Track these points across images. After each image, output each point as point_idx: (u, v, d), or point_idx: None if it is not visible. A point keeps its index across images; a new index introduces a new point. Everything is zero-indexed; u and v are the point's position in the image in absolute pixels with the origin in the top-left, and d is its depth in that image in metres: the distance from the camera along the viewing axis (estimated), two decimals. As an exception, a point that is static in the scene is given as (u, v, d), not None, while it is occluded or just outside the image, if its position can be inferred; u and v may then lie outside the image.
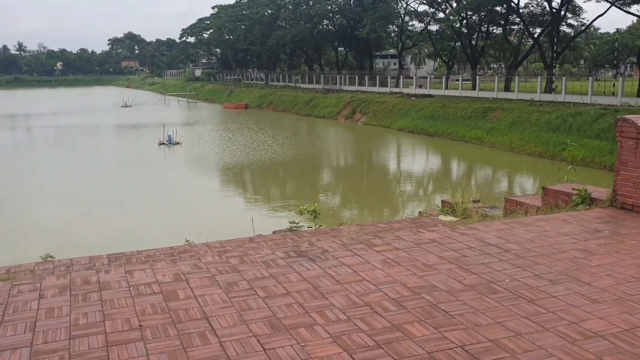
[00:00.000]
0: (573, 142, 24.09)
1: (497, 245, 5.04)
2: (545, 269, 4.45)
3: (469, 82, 48.53)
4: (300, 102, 58.86)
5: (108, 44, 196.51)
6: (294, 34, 67.03)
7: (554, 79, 42.10)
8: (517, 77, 42.35)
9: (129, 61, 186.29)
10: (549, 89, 39.32)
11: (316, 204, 9.10)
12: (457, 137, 35.47)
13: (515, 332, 3.36)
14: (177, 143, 37.13)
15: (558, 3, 44.19)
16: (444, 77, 51.08)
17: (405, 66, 75.92)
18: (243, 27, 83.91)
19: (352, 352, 3.11)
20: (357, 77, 60.20)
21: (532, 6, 47.83)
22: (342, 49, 75.90)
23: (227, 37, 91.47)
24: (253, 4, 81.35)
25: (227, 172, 28.39)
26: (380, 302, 3.78)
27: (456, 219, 8.37)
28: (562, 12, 44.86)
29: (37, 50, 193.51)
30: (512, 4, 46.22)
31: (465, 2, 47.31)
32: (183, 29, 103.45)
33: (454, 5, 51.33)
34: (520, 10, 47.17)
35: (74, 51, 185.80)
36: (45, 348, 3.18)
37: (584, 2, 76.01)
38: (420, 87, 50.86)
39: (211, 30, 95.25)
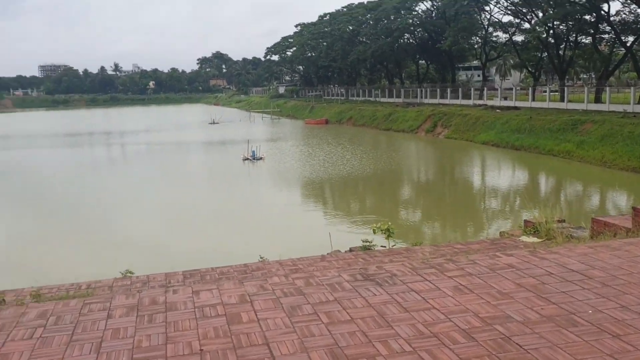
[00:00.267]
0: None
1: (580, 272, 4.67)
2: (634, 299, 4.06)
3: (556, 93, 46.56)
4: (379, 117, 58.65)
5: (197, 64, 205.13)
6: (375, 48, 67.09)
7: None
8: (608, 88, 40.14)
9: (217, 80, 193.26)
10: (644, 100, 37.02)
11: (390, 223, 8.90)
12: (545, 150, 34.01)
13: (597, 373, 3.06)
14: (260, 158, 37.85)
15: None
16: (530, 88, 49.29)
17: (489, 78, 73.95)
18: (325, 44, 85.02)
19: (413, 388, 2.93)
20: (438, 89, 59.29)
21: (624, 13, 45.31)
22: (423, 61, 75.14)
23: (309, 54, 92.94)
24: (334, 21, 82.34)
25: (307, 186, 28.59)
26: (449, 333, 3.56)
27: (539, 240, 7.93)
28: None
29: (132, 71, 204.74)
30: (602, 12, 43.99)
31: (552, 12, 45.54)
32: (267, 48, 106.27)
33: (540, 15, 49.55)
34: (611, 19, 44.78)
35: (166, 71, 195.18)
36: (107, 370, 3.23)
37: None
38: (505, 99, 49.33)
39: (294, 48, 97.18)
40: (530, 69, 58.50)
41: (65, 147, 52.56)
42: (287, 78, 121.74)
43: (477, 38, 60.98)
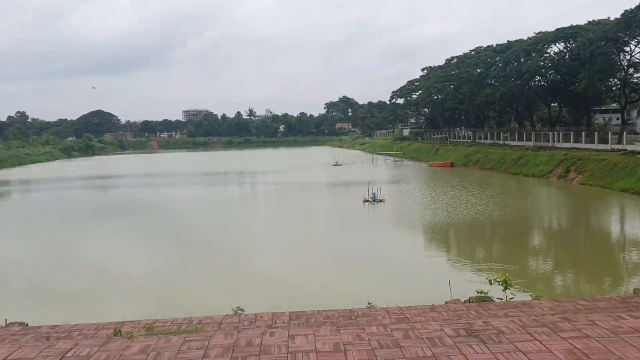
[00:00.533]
0: None
1: None
2: None
3: None
4: (508, 160, 56.40)
5: (324, 108, 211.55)
6: (503, 91, 65.18)
7: None
8: None
9: (342, 123, 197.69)
10: None
11: (507, 274, 8.36)
12: (696, 200, 30.69)
13: None
14: (381, 200, 37.67)
15: None
16: (678, 131, 45.08)
17: (630, 121, 68.77)
18: (451, 86, 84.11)
19: None
20: (572, 133, 56.03)
21: None
22: (556, 104, 71.67)
23: (435, 97, 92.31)
24: (462, 64, 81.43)
25: (428, 230, 27.94)
26: (555, 404, 3.23)
27: (680, 302, 7.00)
28: None
29: (265, 115, 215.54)
30: None
31: None
32: (393, 91, 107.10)
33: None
34: None
35: (295, 115, 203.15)
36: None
37: None
38: (649, 143, 45.43)
39: (420, 91, 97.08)
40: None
41: (202, 185, 55.94)
42: (412, 120, 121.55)
43: (616, 80, 57.17)
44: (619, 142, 49.38)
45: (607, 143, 49.17)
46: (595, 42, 52.84)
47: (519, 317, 5.12)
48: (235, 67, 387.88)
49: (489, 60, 74.47)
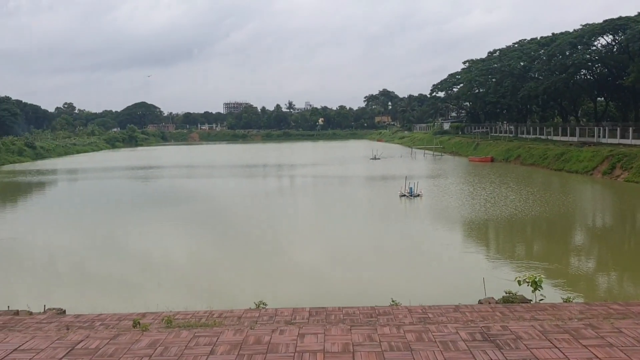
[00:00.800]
0: None
1: None
2: None
3: None
4: (550, 156, 55.00)
5: (364, 101, 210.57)
6: (547, 85, 63.51)
7: None
8: None
9: (382, 116, 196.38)
10: None
11: (538, 275, 8.07)
12: None
13: None
14: (418, 195, 37.27)
15: None
16: None
17: (682, 116, 66.20)
18: (493, 80, 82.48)
19: None
20: (618, 129, 54.25)
21: None
22: (602, 99, 69.46)
23: (476, 90, 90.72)
24: (505, 57, 79.71)
25: (465, 226, 27.47)
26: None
27: None
28: None
29: (304, 108, 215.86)
30: None
31: None
32: (434, 85, 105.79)
33: None
34: None
35: (334, 108, 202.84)
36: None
37: None
38: (701, 139, 43.63)
39: (461, 85, 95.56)
40: None
41: (241, 177, 56.48)
42: (453, 114, 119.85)
43: (668, 72, 54.99)
44: (669, 138, 47.62)
45: (656, 139, 47.49)
46: (646, 34, 51.02)
47: (542, 322, 4.91)
48: (276, 59, 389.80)
49: (532, 53, 72.67)
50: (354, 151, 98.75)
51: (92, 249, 22.55)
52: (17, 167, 74.30)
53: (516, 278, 8.46)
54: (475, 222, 28.46)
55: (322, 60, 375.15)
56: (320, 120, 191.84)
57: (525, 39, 79.29)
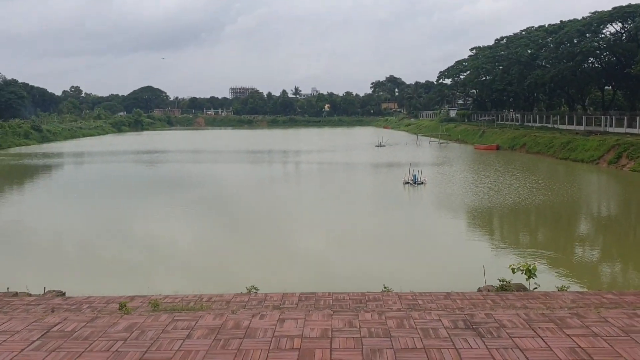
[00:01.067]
0: None
1: None
2: None
3: None
4: (556, 144, 54.64)
5: (370, 87, 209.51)
6: (554, 73, 62.91)
7: None
8: None
9: (388, 103, 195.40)
10: None
11: (533, 264, 7.96)
12: None
13: None
14: (422, 183, 37.12)
15: None
16: None
17: (690, 105, 65.55)
18: (500, 67, 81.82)
19: None
20: (626, 118, 53.77)
21: None
22: (610, 87, 68.80)
23: (483, 78, 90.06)
24: (512, 44, 78.96)
25: (467, 214, 27.34)
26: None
27: None
28: None
29: (310, 94, 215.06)
30: None
31: None
32: (440, 72, 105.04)
33: None
34: None
35: (341, 94, 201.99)
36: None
37: None
38: None
39: (468, 72, 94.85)
40: None
41: (247, 163, 56.47)
42: (460, 102, 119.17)
43: (677, 61, 54.37)
44: (677, 128, 47.18)
45: (663, 129, 47.06)
46: (655, 22, 50.40)
47: (530, 310, 4.82)
48: (283, 44, 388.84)
49: (540, 40, 71.92)
50: (360, 138, 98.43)
51: (96, 232, 22.62)
52: (24, 149, 74.57)
53: (510, 266, 8.36)
54: (478, 210, 28.32)
55: (330, 45, 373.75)
56: (327, 107, 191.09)
57: (533, 27, 78.54)
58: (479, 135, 75.24)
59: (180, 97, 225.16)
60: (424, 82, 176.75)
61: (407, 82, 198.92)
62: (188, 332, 4.08)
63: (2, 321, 4.21)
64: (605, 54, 62.14)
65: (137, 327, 4.20)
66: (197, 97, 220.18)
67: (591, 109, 73.03)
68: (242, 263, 17.45)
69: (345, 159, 59.14)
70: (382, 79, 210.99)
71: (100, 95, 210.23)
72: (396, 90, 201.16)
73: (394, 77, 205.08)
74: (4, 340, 3.77)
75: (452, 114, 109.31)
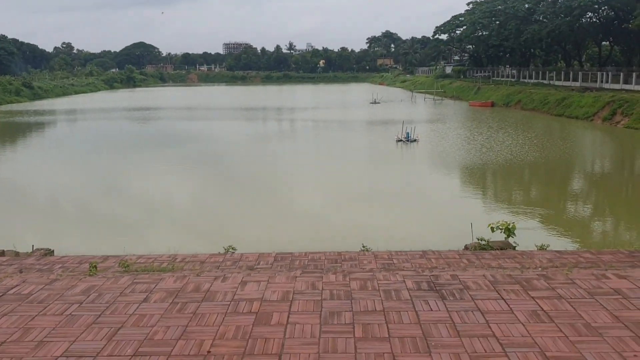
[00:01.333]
0: None
1: None
2: None
3: None
4: (551, 101, 54.24)
5: (366, 43, 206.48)
6: (551, 28, 61.98)
7: None
8: None
9: (384, 59, 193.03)
10: None
11: (513, 222, 7.91)
12: None
13: None
14: (415, 140, 36.92)
15: None
16: None
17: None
18: (497, 22, 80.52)
19: None
20: (622, 74, 53.25)
21: None
22: (607, 43, 67.95)
23: (480, 33, 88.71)
24: (509, -2, 77.67)
25: (458, 171, 27.30)
26: (497, 372, 2.90)
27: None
28: None
29: (305, 50, 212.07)
30: None
31: None
32: (436, 27, 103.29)
33: None
34: None
35: (336, 50, 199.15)
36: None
37: None
38: None
39: (464, 27, 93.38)
40: None
41: (241, 120, 56.02)
42: (456, 58, 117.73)
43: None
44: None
45: (659, 85, 46.68)
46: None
47: (497, 271, 4.75)
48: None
49: (538, -6, 70.72)
50: (355, 95, 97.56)
51: (89, 190, 22.54)
52: (15, 107, 73.72)
53: (489, 225, 8.29)
54: (470, 167, 28.26)
55: None
56: (322, 63, 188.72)
57: (531, -20, 76.96)
58: (474, 92, 74.62)
59: (172, 53, 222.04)
60: (420, 37, 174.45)
61: (404, 38, 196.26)
62: (146, 295, 4.00)
63: (-41, 284, 4.12)
64: (603, 8, 61.11)
65: (95, 289, 4.11)
66: (190, 52, 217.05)
67: (588, 65, 72.29)
68: (229, 221, 17.41)
69: (340, 116, 58.71)
70: (377, 34, 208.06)
71: (92, 51, 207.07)
72: (392, 45, 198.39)
73: (390, 33, 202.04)
74: (-42, 304, 3.69)
75: (448, 70, 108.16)
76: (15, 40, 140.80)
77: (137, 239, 14.92)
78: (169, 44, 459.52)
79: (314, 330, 3.37)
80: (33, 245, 10.02)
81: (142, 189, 22.93)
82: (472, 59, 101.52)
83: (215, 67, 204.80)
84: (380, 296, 3.89)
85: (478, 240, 7.85)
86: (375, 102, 73.98)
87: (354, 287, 4.10)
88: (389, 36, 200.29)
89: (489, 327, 3.38)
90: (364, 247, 7.80)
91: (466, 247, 9.19)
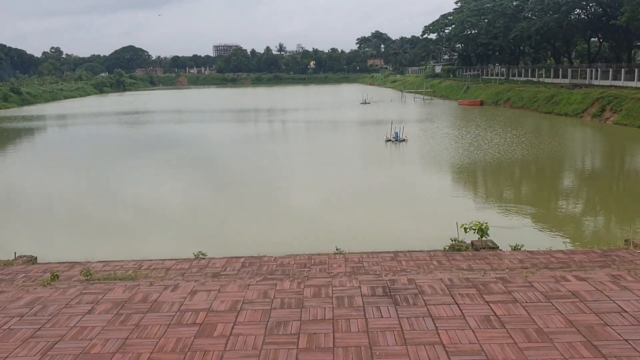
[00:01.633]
0: None
1: (667, 314, 3.53)
2: None
3: None
4: (540, 99, 54.33)
5: (356, 43, 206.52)
6: (540, 25, 62.10)
7: None
8: None
9: (375, 59, 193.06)
10: None
11: (485, 222, 7.82)
12: None
13: None
14: (404, 140, 36.90)
15: None
16: None
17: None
18: (486, 20, 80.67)
19: None
20: (611, 70, 53.41)
21: None
22: (596, 39, 68.17)
23: (468, 31, 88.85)
24: (497, -5, 77.84)
25: (444, 170, 27.26)
26: (437, 382, 2.80)
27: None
28: None
29: (295, 51, 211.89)
30: None
31: None
32: (425, 26, 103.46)
33: None
34: None
35: (326, 51, 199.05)
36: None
37: None
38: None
39: (453, 26, 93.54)
40: None
41: (231, 122, 55.86)
42: (446, 57, 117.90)
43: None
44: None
45: (647, 81, 46.83)
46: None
47: (456, 274, 4.65)
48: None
49: (526, -9, 70.89)
50: (345, 95, 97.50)
51: (78, 195, 22.39)
52: (2, 113, 73.27)
53: (462, 225, 8.19)
54: (457, 166, 28.22)
55: (316, 0, 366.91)
56: (312, 64, 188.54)
57: (519, -23, 77.14)
58: (463, 91, 74.70)
59: (162, 56, 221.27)
60: (409, 37, 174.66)
61: (393, 38, 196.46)
62: (92, 306, 3.88)
63: None
64: (591, 4, 61.30)
65: (40, 301, 3.99)
66: (180, 55, 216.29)
67: (577, 61, 72.47)
68: (212, 224, 17.26)
69: (330, 116, 58.63)
70: (367, 34, 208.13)
71: (81, 56, 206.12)
72: (382, 46, 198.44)
73: (380, 33, 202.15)
74: None
75: (438, 69, 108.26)
76: (2, 46, 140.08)
77: (124, 244, 14.77)
78: (159, 47, 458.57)
79: (256, 342, 3.26)
80: (15, 253, 9.85)
81: (130, 193, 22.80)
82: (462, 57, 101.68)
83: (205, 70, 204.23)
84: (332, 304, 3.78)
85: (452, 240, 7.76)
86: (365, 103, 74.00)
87: (307, 294, 3.99)
88: (378, 36, 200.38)
89: (438, 333, 3.28)
90: (337, 250, 7.70)
91: (451, 247, 9.11)
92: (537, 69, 70.27)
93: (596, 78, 55.30)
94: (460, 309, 3.64)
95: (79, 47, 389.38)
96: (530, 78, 69.17)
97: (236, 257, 6.92)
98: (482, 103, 63.65)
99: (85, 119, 61.74)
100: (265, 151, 34.72)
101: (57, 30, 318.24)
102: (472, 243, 8.26)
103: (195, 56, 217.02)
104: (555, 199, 22.09)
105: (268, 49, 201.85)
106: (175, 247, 12.57)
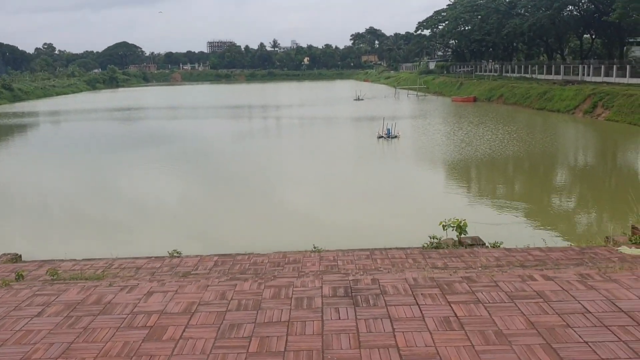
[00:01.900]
0: None
1: (629, 313, 3.42)
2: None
3: None
4: (533, 95, 54.35)
5: (350, 39, 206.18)
6: (532, 21, 62.06)
7: None
8: None
9: (369, 55, 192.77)
10: None
11: (464, 220, 7.73)
12: None
13: None
14: (396, 136, 36.86)
15: None
16: None
17: (667, 53, 65.35)
18: (479, 17, 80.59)
19: None
20: (603, 66, 53.45)
21: None
22: (588, 36, 68.19)
23: (462, 28, 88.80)
24: (491, -8, 77.73)
25: (435, 167, 27.24)
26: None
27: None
28: None
29: (289, 47, 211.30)
30: None
31: None
32: (419, 22, 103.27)
33: None
34: None
35: (320, 47, 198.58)
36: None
37: None
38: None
39: (446, 22, 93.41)
40: None
41: (225, 119, 55.62)
42: (440, 53, 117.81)
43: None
44: (651, 76, 47.02)
45: (639, 77, 46.81)
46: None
47: (420, 273, 4.54)
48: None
49: (519, -12, 70.82)
50: (339, 92, 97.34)
51: (68, 191, 22.25)
52: (-7, 109, 72.85)
53: (440, 222, 8.10)
54: (448, 162, 28.17)
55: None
56: (306, 60, 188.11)
57: (512, -26, 77.07)
58: (456, 87, 74.67)
59: (156, 52, 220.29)
60: (404, 33, 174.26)
61: (387, 34, 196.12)
62: (42, 308, 3.76)
63: None
64: (583, 1, 61.33)
65: (-10, 304, 3.87)
66: (173, 52, 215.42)
67: (570, 58, 72.48)
68: (201, 221, 17.14)
69: (324, 113, 58.52)
70: (362, 30, 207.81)
71: (74, 52, 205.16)
72: (376, 42, 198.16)
73: (374, 29, 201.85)
74: None
75: (432, 65, 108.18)
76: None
77: (109, 241, 14.63)
78: (152, 43, 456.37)
79: (206, 346, 3.14)
80: (-1, 251, 9.71)
81: (120, 189, 22.78)
82: (455, 54, 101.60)
83: (199, 66, 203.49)
84: (290, 304, 3.67)
85: (430, 238, 7.68)
86: (358, 99, 73.91)
87: (266, 295, 3.87)
88: (372, 32, 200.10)
89: (394, 336, 3.17)
90: (315, 247, 7.60)
91: (432, 245, 9.01)
92: (530, 66, 70.28)
93: (588, 74, 55.34)
94: (420, 310, 3.53)
95: (72, 43, 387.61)
96: (523, 74, 69.21)
97: (209, 256, 6.81)
98: (475, 99, 63.64)
99: (77, 115, 61.47)
100: (257, 148, 34.60)
101: (50, 27, 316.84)
102: (460, 240, 8.19)
103: (189, 52, 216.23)
104: (545, 196, 22.03)
105: (262, 45, 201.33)
106: (153, 245, 12.43)
